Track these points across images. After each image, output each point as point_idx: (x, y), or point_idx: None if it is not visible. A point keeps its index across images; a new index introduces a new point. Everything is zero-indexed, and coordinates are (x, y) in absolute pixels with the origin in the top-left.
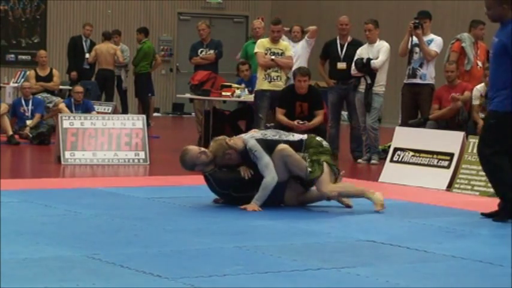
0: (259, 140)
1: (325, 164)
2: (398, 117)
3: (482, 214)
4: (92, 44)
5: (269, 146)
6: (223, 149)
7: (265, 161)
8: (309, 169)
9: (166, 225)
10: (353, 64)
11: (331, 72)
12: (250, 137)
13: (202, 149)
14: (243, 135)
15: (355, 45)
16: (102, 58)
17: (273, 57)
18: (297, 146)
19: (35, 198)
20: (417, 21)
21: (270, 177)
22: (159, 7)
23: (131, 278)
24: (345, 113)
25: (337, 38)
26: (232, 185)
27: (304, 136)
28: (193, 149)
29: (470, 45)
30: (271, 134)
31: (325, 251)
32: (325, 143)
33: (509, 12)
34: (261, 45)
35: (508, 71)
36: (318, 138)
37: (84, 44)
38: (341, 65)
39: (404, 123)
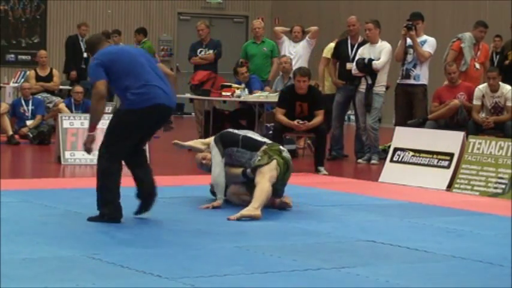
0: (216, 140)
1: (274, 162)
2: (393, 118)
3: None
4: None
5: (224, 141)
6: (199, 160)
7: (214, 162)
8: (259, 157)
9: (166, 225)
10: (354, 64)
11: (341, 73)
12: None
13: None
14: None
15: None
16: None
17: None
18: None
19: (35, 198)
20: (410, 22)
21: (216, 173)
22: (159, 7)
23: (131, 278)
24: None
25: (348, 38)
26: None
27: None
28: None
29: (470, 46)
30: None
31: (325, 251)
32: (285, 153)
33: None
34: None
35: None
36: (281, 147)
37: (81, 43)
38: (350, 66)
39: (398, 124)
